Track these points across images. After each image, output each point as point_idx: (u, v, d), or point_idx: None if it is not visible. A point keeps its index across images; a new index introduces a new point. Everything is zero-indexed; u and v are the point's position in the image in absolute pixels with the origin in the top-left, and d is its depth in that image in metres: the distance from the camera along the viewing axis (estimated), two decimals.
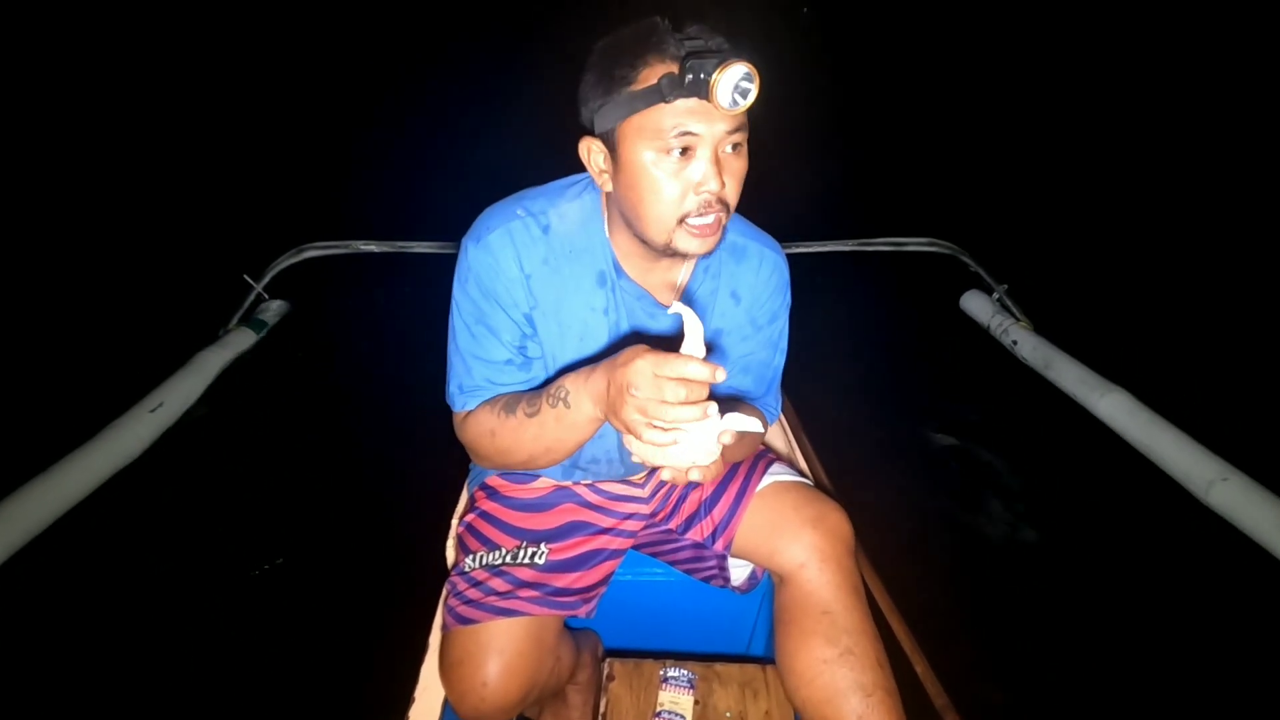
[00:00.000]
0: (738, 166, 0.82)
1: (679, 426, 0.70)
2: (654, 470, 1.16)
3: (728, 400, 0.98)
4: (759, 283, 1.00)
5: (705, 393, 0.69)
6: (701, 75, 0.73)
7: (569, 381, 0.83)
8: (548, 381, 0.95)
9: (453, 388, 0.96)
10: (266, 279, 2.80)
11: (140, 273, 3.14)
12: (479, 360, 0.93)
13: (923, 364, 2.75)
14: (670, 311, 0.80)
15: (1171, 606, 1.74)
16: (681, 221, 0.81)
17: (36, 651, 1.61)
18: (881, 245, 2.99)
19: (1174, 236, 3.53)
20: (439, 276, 0.94)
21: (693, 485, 1.11)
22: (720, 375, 0.67)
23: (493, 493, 1.12)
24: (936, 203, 3.91)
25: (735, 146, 0.81)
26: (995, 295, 2.83)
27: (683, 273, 0.95)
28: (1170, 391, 2.28)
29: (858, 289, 3.09)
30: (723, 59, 0.72)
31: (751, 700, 1.11)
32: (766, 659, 1.21)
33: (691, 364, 0.67)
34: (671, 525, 1.12)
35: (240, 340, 2.63)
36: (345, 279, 3.03)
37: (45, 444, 2.00)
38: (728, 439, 0.72)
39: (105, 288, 3.03)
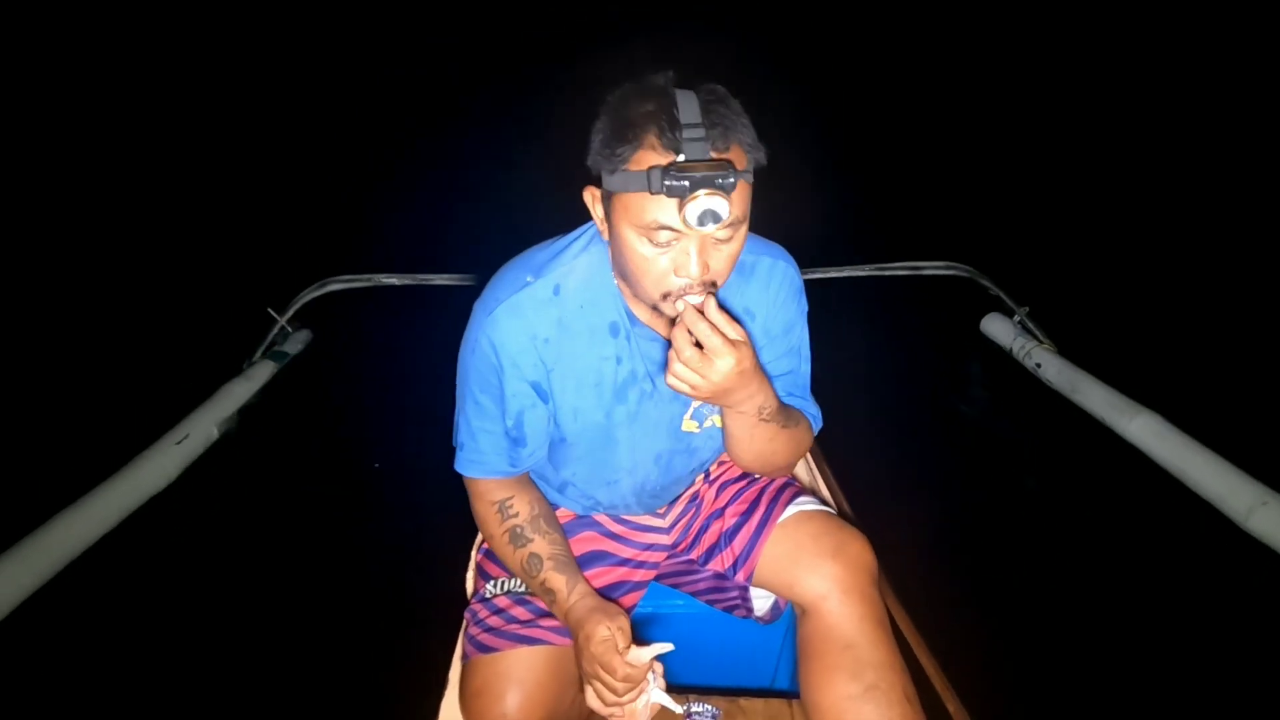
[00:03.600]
0: (729, 248, 0.79)
1: (626, 704, 0.85)
2: (674, 500, 1.15)
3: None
4: (770, 295, 0.98)
5: (643, 686, 0.85)
6: (676, 187, 0.71)
7: (557, 584, 0.92)
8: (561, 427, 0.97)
9: (457, 443, 1.00)
10: (290, 312, 2.85)
11: (166, 306, 3.21)
12: (479, 429, 0.96)
13: (945, 388, 2.72)
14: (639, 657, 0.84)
15: (1213, 634, 1.68)
16: (665, 296, 0.80)
17: (62, 684, 1.62)
18: (899, 269, 2.98)
19: (1198, 252, 3.47)
20: (461, 309, 0.95)
21: (714, 516, 1.10)
22: (650, 683, 0.85)
23: None
24: (954, 225, 3.90)
25: (726, 239, 0.78)
26: (1016, 318, 2.80)
27: None
28: (1202, 413, 2.22)
29: (876, 314, 3.08)
30: (694, 187, 0.70)
31: None
32: (792, 693, 1.18)
33: (626, 670, 0.83)
34: (693, 556, 1.11)
35: (264, 374, 2.68)
36: (368, 312, 3.08)
37: (72, 477, 2.03)
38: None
39: (132, 321, 3.11)
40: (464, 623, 1.03)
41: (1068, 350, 2.63)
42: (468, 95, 6.14)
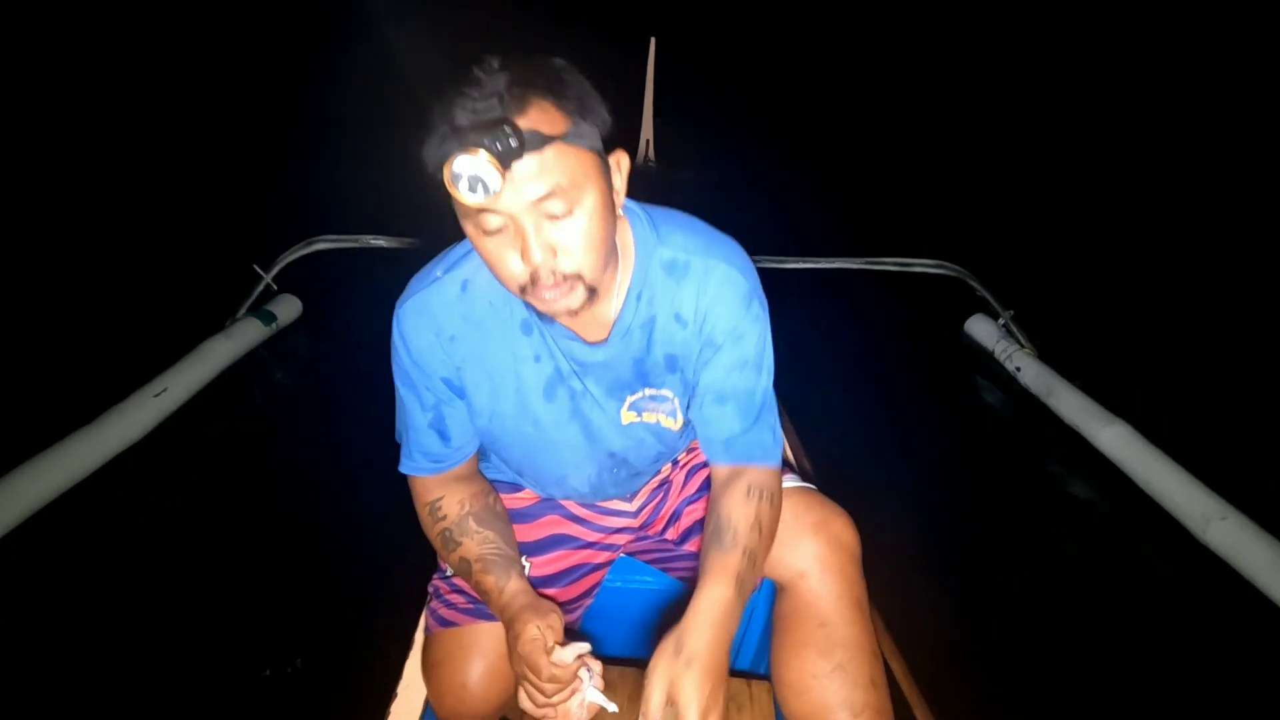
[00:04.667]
0: (574, 228, 0.71)
1: (555, 705, 0.83)
2: (638, 490, 1.14)
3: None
4: (706, 298, 0.86)
5: (572, 686, 0.83)
6: (441, 151, 0.64)
7: (488, 584, 0.89)
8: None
9: (397, 433, 0.99)
10: (275, 270, 2.82)
11: (151, 262, 3.17)
12: (408, 426, 0.95)
13: (926, 386, 2.75)
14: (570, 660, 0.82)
15: (1166, 644, 1.73)
16: (526, 290, 0.73)
17: (27, 631, 1.61)
18: (888, 265, 2.99)
19: (1184, 269, 3.51)
20: None
21: (688, 500, 1.10)
22: (585, 682, 0.82)
23: None
24: (945, 224, 3.92)
25: (561, 213, 0.69)
26: (1001, 320, 2.83)
27: (612, 307, 0.86)
28: (1172, 426, 2.27)
29: (864, 307, 3.10)
30: (459, 148, 0.63)
31: (735, 714, 1.11)
32: (752, 673, 1.21)
33: (551, 671, 0.80)
34: (669, 536, 1.10)
35: (247, 331, 2.65)
36: (354, 272, 3.05)
37: (49, 425, 2.02)
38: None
39: (116, 276, 3.06)
40: (427, 597, 1.04)
41: (1051, 355, 2.66)
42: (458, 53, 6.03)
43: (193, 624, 1.65)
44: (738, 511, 0.86)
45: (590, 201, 0.71)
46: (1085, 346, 2.82)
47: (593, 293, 0.76)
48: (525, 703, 0.84)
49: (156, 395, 2.20)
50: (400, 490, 1.01)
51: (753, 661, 1.31)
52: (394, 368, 0.93)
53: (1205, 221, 4.03)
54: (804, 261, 2.90)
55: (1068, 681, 1.63)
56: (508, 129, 0.63)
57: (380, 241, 2.92)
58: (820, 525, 0.96)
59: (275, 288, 2.84)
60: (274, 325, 2.75)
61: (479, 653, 0.93)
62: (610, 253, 0.78)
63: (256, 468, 2.15)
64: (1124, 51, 6.89)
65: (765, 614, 1.24)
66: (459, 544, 0.93)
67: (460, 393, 0.91)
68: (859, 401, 2.53)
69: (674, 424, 0.95)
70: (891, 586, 1.26)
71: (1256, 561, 1.78)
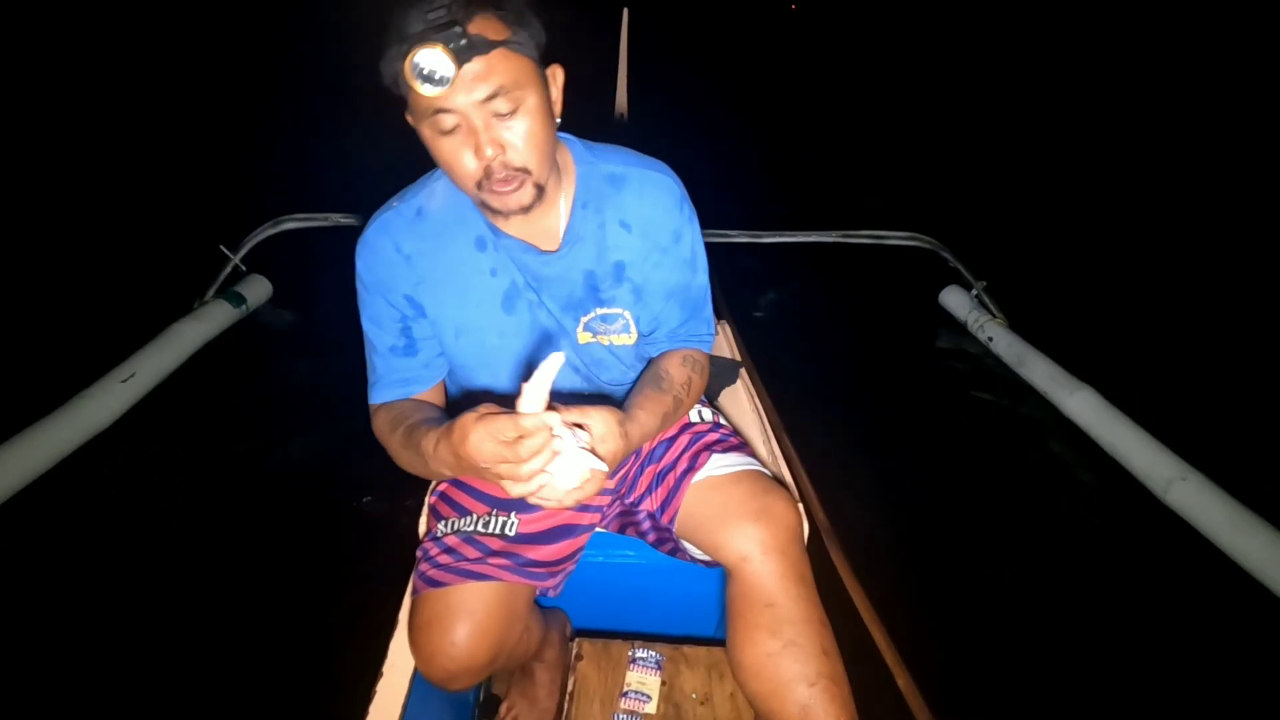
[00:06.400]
0: (520, 127, 0.80)
1: (541, 471, 0.75)
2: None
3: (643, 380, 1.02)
4: (646, 205, 0.98)
5: (548, 437, 0.73)
6: (400, 50, 0.74)
7: (427, 440, 0.86)
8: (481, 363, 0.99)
9: (370, 382, 1.02)
10: (244, 251, 2.76)
11: (117, 244, 3.08)
12: (375, 352, 1.00)
13: (900, 357, 2.79)
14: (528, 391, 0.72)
15: (1126, 599, 1.79)
16: (481, 187, 0.83)
17: None
18: (863, 238, 3.01)
19: (1147, 239, 3.59)
20: None
21: (648, 461, 1.11)
22: (552, 429, 0.73)
23: None
24: (918, 197, 3.95)
25: (507, 111, 0.79)
26: (974, 291, 2.87)
27: (560, 215, 0.96)
28: (1137, 391, 2.34)
29: (839, 280, 3.12)
30: (412, 45, 0.72)
31: (717, 682, 1.14)
32: None
33: (523, 420, 0.72)
34: (630, 499, 1.12)
35: (216, 313, 2.59)
36: (322, 252, 2.99)
37: (12, 413, 1.97)
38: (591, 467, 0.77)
39: (80, 258, 2.97)
40: (415, 561, 1.04)
41: (1021, 325, 2.71)
42: None
43: (170, 608, 1.63)
44: (675, 370, 1.03)
45: (532, 102, 0.81)
46: (1054, 316, 2.87)
47: (540, 191, 0.86)
48: (515, 488, 0.76)
49: (124, 380, 2.16)
50: (380, 467, 1.00)
51: None
52: (359, 301, 0.98)
53: (1165, 193, 4.10)
54: (779, 235, 2.90)
55: (1030, 627, 1.69)
56: (459, 29, 0.73)
57: (349, 219, 2.86)
58: (761, 511, 0.99)
59: (244, 269, 2.78)
60: (244, 307, 2.70)
61: (467, 613, 0.94)
62: (552, 155, 0.88)
63: (230, 451, 2.12)
64: (1086, 25, 6.92)
65: None
66: (408, 417, 0.94)
67: (422, 310, 0.96)
68: (834, 372, 2.56)
69: (628, 339, 1.04)
70: (866, 548, 1.29)
71: (1215, 521, 1.85)
